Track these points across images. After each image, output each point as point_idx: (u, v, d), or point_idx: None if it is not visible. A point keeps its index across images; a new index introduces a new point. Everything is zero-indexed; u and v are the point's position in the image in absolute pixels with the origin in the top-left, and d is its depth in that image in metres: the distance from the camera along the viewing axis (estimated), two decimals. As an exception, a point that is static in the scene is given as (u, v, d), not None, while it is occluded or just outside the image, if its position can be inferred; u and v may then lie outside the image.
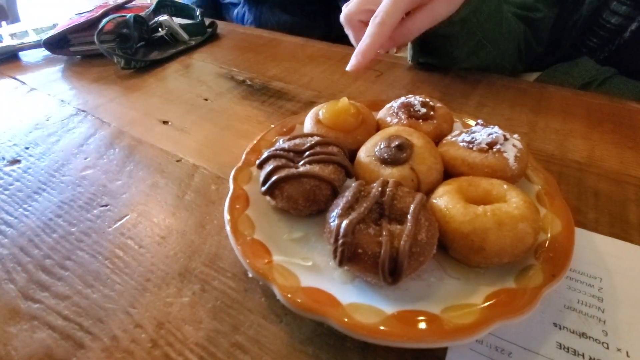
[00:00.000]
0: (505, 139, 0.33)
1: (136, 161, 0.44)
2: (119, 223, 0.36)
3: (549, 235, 0.29)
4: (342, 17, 0.54)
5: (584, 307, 0.27)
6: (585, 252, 0.31)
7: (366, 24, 0.47)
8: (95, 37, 0.65)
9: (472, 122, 0.41)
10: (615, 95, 0.55)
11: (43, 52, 0.74)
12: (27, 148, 0.47)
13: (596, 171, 0.41)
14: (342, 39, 0.66)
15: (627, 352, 0.24)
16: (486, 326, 0.22)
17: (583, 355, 0.24)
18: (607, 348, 0.25)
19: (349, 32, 0.55)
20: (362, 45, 0.46)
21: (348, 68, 0.46)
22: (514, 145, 0.33)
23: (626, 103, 0.53)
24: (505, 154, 0.32)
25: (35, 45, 0.75)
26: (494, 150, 0.32)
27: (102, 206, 0.38)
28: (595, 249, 0.31)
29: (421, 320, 0.24)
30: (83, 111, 0.55)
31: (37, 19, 1.06)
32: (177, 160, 0.44)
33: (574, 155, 0.43)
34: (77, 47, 0.71)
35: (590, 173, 0.40)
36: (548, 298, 0.25)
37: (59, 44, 0.70)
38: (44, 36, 0.70)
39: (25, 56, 0.76)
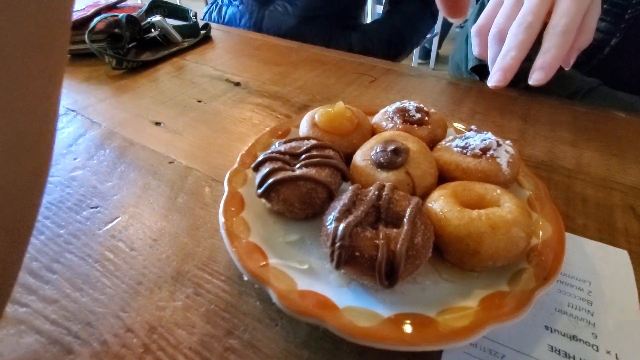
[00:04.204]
0: (498, 145, 0.34)
1: (127, 162, 0.43)
2: (110, 225, 0.35)
3: (540, 240, 0.29)
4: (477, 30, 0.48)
5: (574, 310, 0.28)
6: (574, 257, 0.32)
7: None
8: (86, 36, 0.64)
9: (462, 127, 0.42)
10: (600, 105, 0.57)
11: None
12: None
13: (583, 177, 0.42)
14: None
15: (616, 355, 0.25)
16: (481, 329, 0.23)
17: (574, 357, 0.25)
18: (597, 350, 0.25)
19: (481, 44, 0.50)
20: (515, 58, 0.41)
21: (493, 84, 0.42)
22: (507, 151, 0.33)
23: (611, 112, 0.55)
24: (498, 160, 0.32)
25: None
26: (487, 155, 0.33)
27: (92, 208, 0.37)
28: (584, 254, 0.32)
29: (417, 324, 0.24)
30: (72, 111, 0.54)
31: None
32: (170, 162, 0.44)
33: (562, 162, 0.44)
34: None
35: (578, 179, 0.41)
36: (540, 301, 0.26)
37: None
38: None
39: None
